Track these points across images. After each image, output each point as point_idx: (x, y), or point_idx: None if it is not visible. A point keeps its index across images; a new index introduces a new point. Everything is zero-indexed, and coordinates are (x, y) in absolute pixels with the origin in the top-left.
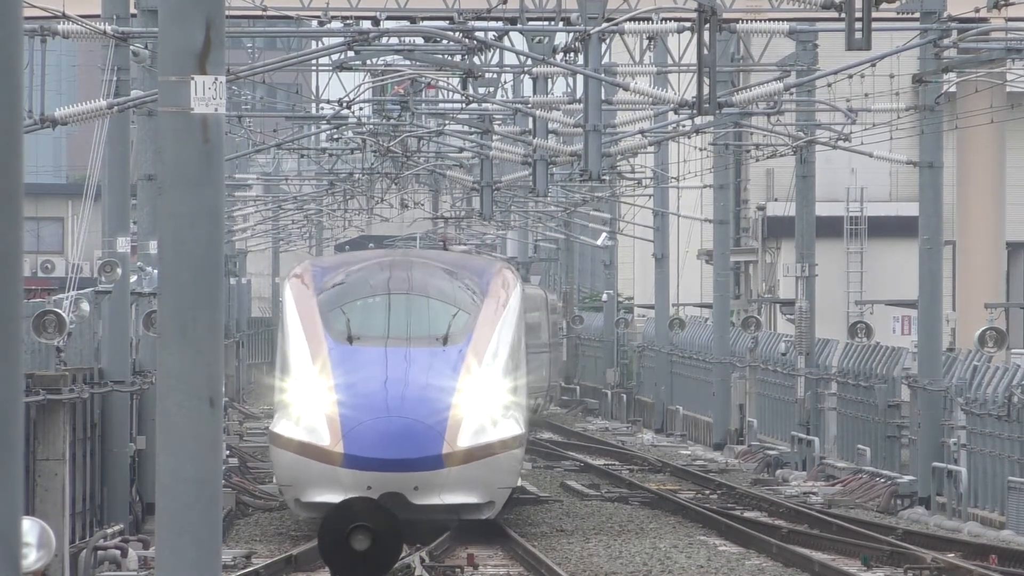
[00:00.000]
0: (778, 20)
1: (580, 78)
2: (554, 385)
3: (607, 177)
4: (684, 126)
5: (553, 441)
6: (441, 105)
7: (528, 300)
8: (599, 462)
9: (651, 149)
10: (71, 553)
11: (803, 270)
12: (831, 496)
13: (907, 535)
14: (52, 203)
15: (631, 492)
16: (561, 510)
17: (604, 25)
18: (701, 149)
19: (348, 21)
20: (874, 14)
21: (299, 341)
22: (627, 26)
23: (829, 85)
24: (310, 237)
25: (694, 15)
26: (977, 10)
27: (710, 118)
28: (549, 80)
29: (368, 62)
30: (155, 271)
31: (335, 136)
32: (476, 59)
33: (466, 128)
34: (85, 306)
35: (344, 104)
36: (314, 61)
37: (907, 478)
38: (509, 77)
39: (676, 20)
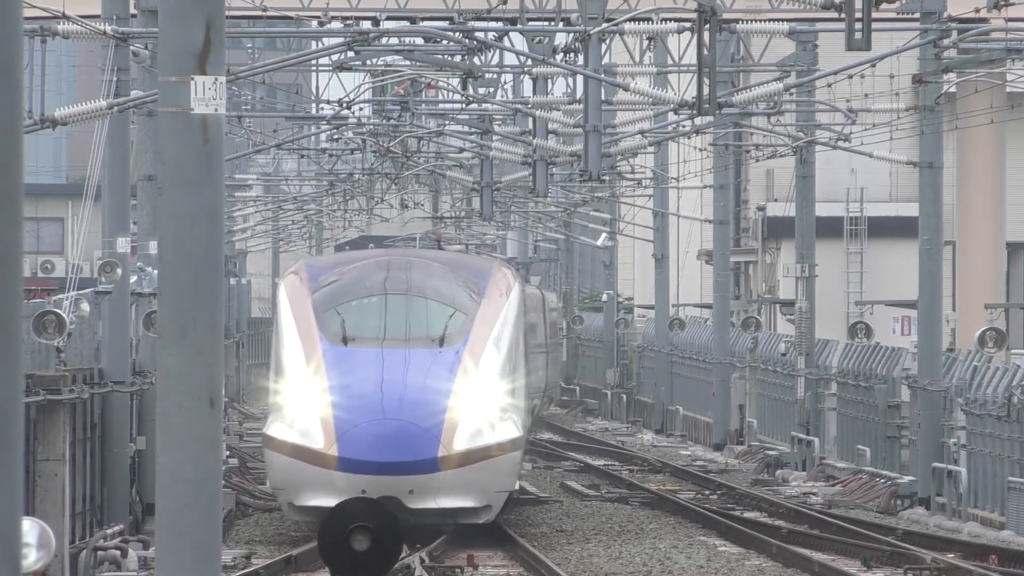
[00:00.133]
0: (778, 20)
1: (580, 78)
2: (553, 386)
3: (607, 177)
4: (684, 126)
5: (553, 441)
6: (441, 105)
7: (525, 300)
8: (599, 462)
9: (651, 149)
10: (71, 553)
11: (803, 270)
12: (831, 496)
13: (907, 535)
14: (52, 203)
15: (631, 492)
16: (561, 510)
17: (604, 25)
18: (701, 149)
19: (348, 21)
20: (874, 14)
21: (293, 342)
22: (627, 26)
23: (829, 85)
24: (310, 237)
25: (694, 15)
26: (977, 10)
27: (710, 118)
28: (549, 80)
29: (368, 62)
30: (155, 271)
31: (335, 136)
32: (476, 59)
33: (466, 128)
34: (85, 306)
35: (344, 104)
36: (314, 61)
37: (907, 478)
38: (509, 77)
39: (676, 20)
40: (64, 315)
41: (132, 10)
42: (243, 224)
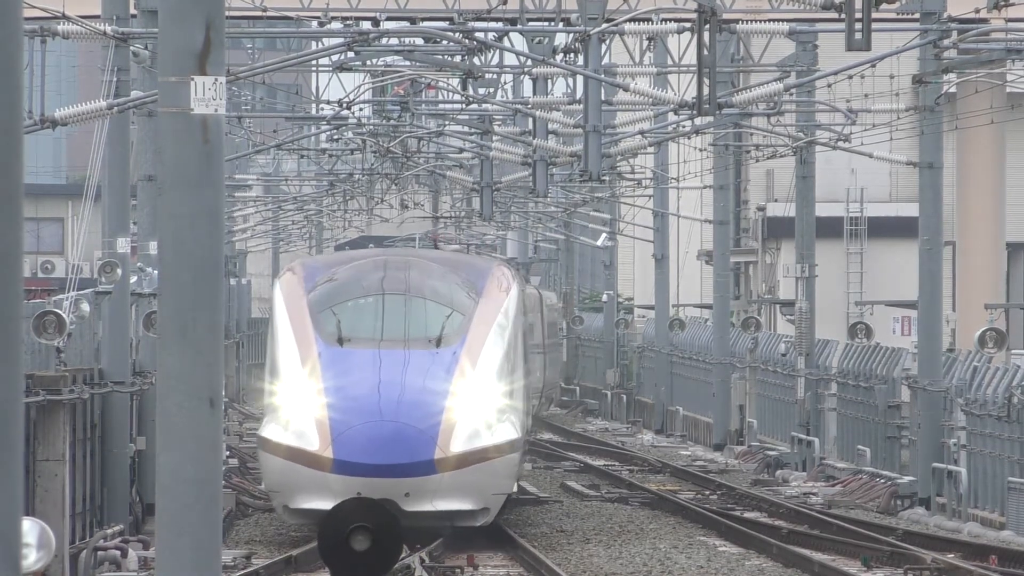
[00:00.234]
0: (778, 21)
1: (580, 79)
2: (552, 387)
3: (607, 178)
4: (684, 127)
5: (553, 442)
6: (441, 106)
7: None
8: (599, 463)
9: (651, 150)
10: (71, 554)
11: (803, 271)
12: (831, 497)
13: (907, 536)
14: (52, 203)
15: (631, 493)
16: (561, 511)
17: (604, 26)
18: (701, 150)
19: (348, 22)
20: (874, 15)
21: (288, 342)
22: (627, 27)
23: (829, 86)
24: (310, 238)
25: (694, 16)
26: (977, 11)
27: (710, 119)
28: (549, 81)
29: (368, 63)
30: (155, 272)
31: (335, 137)
32: (476, 60)
33: (466, 129)
34: (85, 307)
35: (344, 105)
36: (314, 62)
37: (907, 479)
38: (509, 78)
39: (676, 21)
40: (64, 315)
41: (132, 10)
42: (243, 224)
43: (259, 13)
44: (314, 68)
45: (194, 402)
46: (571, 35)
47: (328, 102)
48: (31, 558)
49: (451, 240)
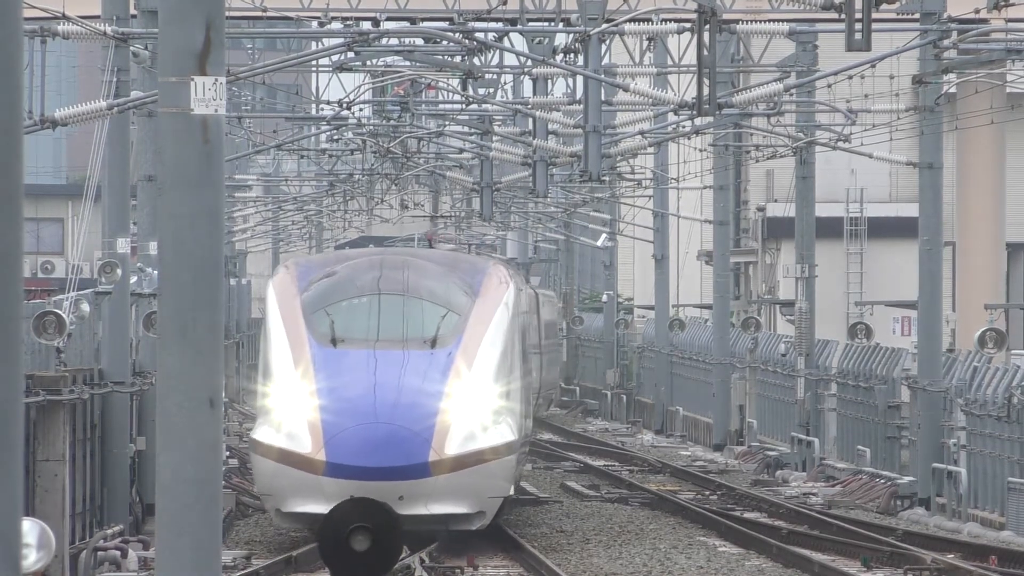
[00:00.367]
0: (778, 21)
1: (580, 79)
2: (550, 387)
3: (607, 178)
4: (684, 127)
5: (553, 442)
6: (441, 106)
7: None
8: (599, 463)
9: (651, 150)
10: (71, 554)
11: (803, 271)
12: (831, 497)
13: (907, 536)
14: (52, 204)
15: (631, 493)
16: (561, 511)
17: (604, 26)
18: (701, 150)
19: (348, 22)
20: (874, 15)
21: (281, 343)
22: (627, 27)
23: (829, 86)
24: (310, 238)
25: (694, 16)
26: (977, 11)
27: (710, 119)
28: (549, 81)
29: (368, 63)
30: (155, 272)
31: (335, 137)
32: (476, 60)
33: (466, 129)
34: (85, 307)
35: (344, 105)
36: (314, 62)
37: (907, 479)
38: (509, 78)
39: (676, 21)
40: (64, 315)
41: (132, 10)
42: (243, 224)
43: (259, 13)
44: (314, 68)
45: (194, 402)
46: (571, 35)
47: (328, 102)
48: (31, 558)
49: (448, 239)
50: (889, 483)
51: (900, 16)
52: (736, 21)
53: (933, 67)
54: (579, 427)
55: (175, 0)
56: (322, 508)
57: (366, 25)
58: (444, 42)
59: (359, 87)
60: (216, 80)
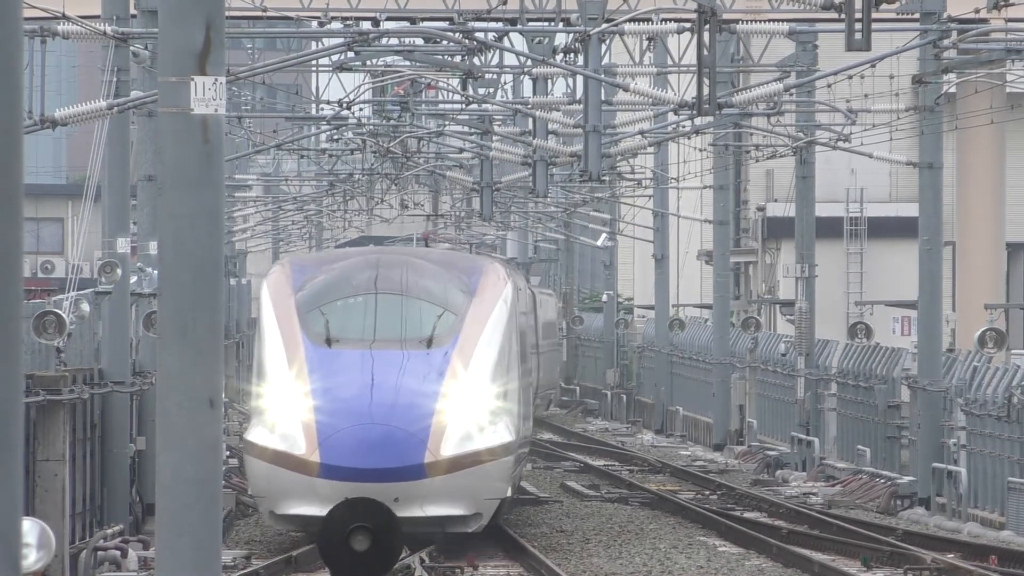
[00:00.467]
0: (778, 21)
1: (580, 79)
2: (549, 387)
3: (607, 178)
4: (684, 127)
5: (553, 442)
6: (441, 106)
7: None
8: (599, 463)
9: (651, 150)
10: (71, 554)
11: (803, 271)
12: (831, 497)
13: (907, 536)
14: (52, 203)
15: (631, 493)
16: (561, 511)
17: (604, 26)
18: (701, 150)
19: (348, 22)
20: (874, 15)
21: (275, 343)
22: (627, 27)
23: (829, 86)
24: (310, 238)
25: (694, 16)
26: (977, 11)
27: (710, 119)
28: (549, 81)
29: (368, 63)
30: (155, 272)
31: (335, 137)
32: (476, 60)
33: (466, 129)
34: (85, 307)
35: (344, 105)
36: (314, 62)
37: (907, 479)
38: (509, 78)
39: (676, 21)
40: (64, 315)
41: (132, 10)
42: (243, 224)
43: (259, 13)
44: (314, 68)
45: (194, 402)
46: (571, 35)
47: (328, 102)
48: (31, 558)
49: (445, 239)
50: (889, 483)
51: (900, 16)
52: (736, 21)
53: (933, 67)
54: (579, 427)
55: (175, 0)
56: (316, 510)
57: (366, 25)
58: (444, 42)
59: (359, 87)
60: (216, 80)
